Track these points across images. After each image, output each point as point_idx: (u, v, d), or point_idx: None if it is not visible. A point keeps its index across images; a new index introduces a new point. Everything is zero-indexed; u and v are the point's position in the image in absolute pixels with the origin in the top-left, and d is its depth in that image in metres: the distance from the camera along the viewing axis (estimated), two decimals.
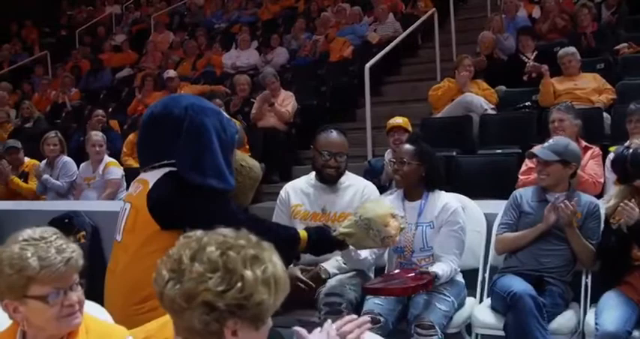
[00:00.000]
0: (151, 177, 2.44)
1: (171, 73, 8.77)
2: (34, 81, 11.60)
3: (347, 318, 1.70)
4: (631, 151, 2.72)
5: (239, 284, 1.36)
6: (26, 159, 6.66)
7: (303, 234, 2.73)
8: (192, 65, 9.99)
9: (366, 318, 1.72)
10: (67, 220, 5.10)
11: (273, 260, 1.43)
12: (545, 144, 3.41)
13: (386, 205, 3.01)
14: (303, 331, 1.64)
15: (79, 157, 6.59)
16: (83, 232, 5.05)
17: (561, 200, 3.17)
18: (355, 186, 3.58)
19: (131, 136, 6.92)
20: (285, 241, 2.64)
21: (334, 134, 3.54)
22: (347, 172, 3.66)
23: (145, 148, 2.59)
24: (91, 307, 2.31)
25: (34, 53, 12.97)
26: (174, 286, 1.38)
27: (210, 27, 11.68)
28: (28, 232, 1.81)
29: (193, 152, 2.39)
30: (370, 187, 3.62)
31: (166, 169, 2.42)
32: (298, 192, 3.63)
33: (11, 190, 6.35)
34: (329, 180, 3.53)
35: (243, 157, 2.85)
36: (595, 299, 3.20)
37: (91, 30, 13.48)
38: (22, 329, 1.86)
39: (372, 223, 2.88)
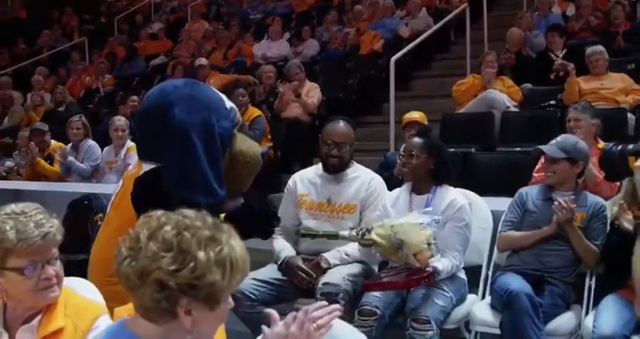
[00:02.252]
0: (146, 165, 2.42)
1: (203, 60, 8.84)
2: (70, 67, 11.80)
3: (317, 304, 1.70)
4: (619, 148, 2.65)
5: (191, 264, 1.37)
6: (52, 142, 6.80)
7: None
8: (223, 55, 10.05)
9: (337, 306, 1.71)
10: (86, 202, 5.21)
11: (231, 243, 1.43)
12: (553, 141, 3.36)
13: (424, 232, 2.97)
14: (273, 312, 1.65)
15: (107, 141, 6.69)
16: (100, 214, 5.13)
17: (560, 199, 3.11)
18: (362, 178, 3.58)
19: None
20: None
21: (340, 124, 3.55)
22: (355, 163, 3.67)
23: (138, 139, 2.59)
24: (79, 283, 2.37)
25: (73, 40, 13.20)
26: (130, 263, 1.40)
27: (246, 17, 11.73)
28: (11, 207, 1.85)
29: (179, 162, 2.31)
30: (377, 180, 3.61)
31: (153, 166, 2.37)
32: (305, 181, 3.64)
33: (37, 172, 6.49)
34: (332, 170, 3.54)
35: (242, 141, 2.79)
36: (599, 302, 3.13)
37: (129, 18, 13.66)
38: (3, 301, 1.92)
39: (404, 246, 2.93)
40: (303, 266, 3.42)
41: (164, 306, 1.38)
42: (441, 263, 3.14)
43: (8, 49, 13.50)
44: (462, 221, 3.28)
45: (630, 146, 2.69)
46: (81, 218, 5.06)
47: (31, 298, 1.86)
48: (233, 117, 2.47)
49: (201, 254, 1.38)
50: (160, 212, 1.48)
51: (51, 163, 6.57)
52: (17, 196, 5.48)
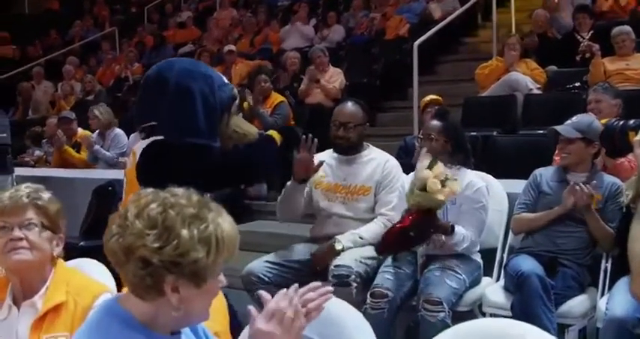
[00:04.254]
0: (138, 148, 2.50)
1: (231, 47, 8.96)
2: (100, 56, 11.95)
3: (312, 285, 1.70)
4: (621, 123, 2.60)
5: (175, 242, 1.38)
6: (79, 130, 6.90)
7: (274, 134, 2.77)
8: (250, 41, 10.08)
9: (329, 288, 1.70)
10: (110, 188, 5.27)
11: (217, 221, 1.44)
12: (569, 121, 3.30)
13: (423, 174, 3.03)
14: (266, 295, 1.66)
15: (134, 129, 6.76)
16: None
17: (581, 183, 3.07)
18: (377, 160, 3.58)
19: None
20: (270, 159, 2.76)
21: (348, 105, 3.55)
22: (370, 146, 3.67)
23: (137, 108, 2.68)
24: (87, 264, 2.44)
25: (104, 30, 13.35)
26: (118, 239, 1.43)
27: (274, 4, 11.73)
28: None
29: (175, 114, 2.46)
30: (392, 162, 3.61)
31: (151, 139, 2.47)
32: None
33: (64, 159, 6.60)
34: (340, 151, 3.54)
35: (238, 124, 2.78)
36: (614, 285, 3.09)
37: (159, 7, 13.76)
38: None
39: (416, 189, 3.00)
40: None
41: (148, 282, 1.40)
42: (458, 228, 3.19)
43: (41, 40, 13.71)
44: (479, 203, 3.28)
45: (632, 121, 2.64)
46: (105, 204, 5.13)
47: (1, 260, 1.96)
48: (230, 90, 2.62)
49: (184, 232, 1.39)
50: (149, 190, 1.51)
51: (78, 151, 6.67)
52: (45, 183, 5.57)
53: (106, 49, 12.11)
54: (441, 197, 2.99)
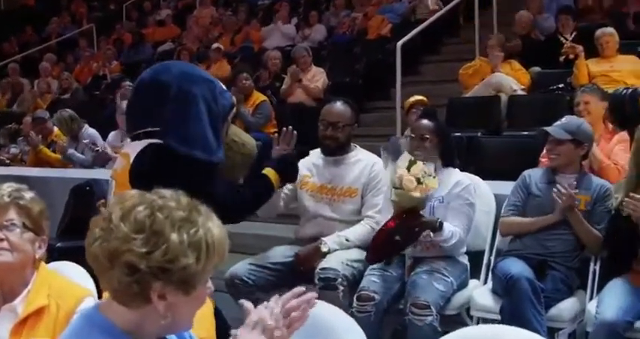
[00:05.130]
0: (132, 149, 2.36)
1: (218, 45, 8.95)
2: (78, 54, 11.78)
3: (295, 290, 1.60)
4: (629, 91, 2.54)
5: (163, 247, 1.30)
6: (55, 129, 6.77)
7: (270, 173, 2.71)
8: (230, 40, 9.99)
9: (313, 294, 1.62)
10: (87, 188, 5.18)
11: (207, 225, 1.36)
12: (558, 123, 3.27)
13: (398, 173, 3.00)
14: (248, 304, 1.58)
15: (112, 127, 6.66)
16: (103, 200, 5.10)
17: (560, 185, 3.05)
18: (364, 161, 3.52)
19: None
20: (266, 193, 2.73)
21: (337, 104, 3.49)
22: (357, 147, 3.61)
23: (131, 113, 2.53)
24: (68, 267, 2.35)
25: (82, 27, 13.16)
26: (101, 244, 1.35)
27: (254, 3, 11.65)
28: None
29: (179, 121, 2.31)
30: (379, 164, 3.54)
31: (147, 141, 2.34)
32: (308, 163, 3.58)
33: (40, 159, 6.48)
34: (328, 151, 3.48)
35: (236, 132, 2.76)
36: (604, 288, 3.06)
37: (138, 5, 13.60)
38: None
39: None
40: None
41: (135, 290, 1.32)
42: (446, 224, 3.14)
43: (16, 36, 13.50)
44: (466, 200, 3.24)
45: None
46: (83, 204, 5.03)
47: None
48: (230, 97, 2.50)
49: (174, 236, 1.31)
50: (134, 192, 1.43)
51: (54, 150, 6.55)
52: (20, 182, 5.45)
53: (84, 46, 11.96)
54: (416, 194, 2.96)
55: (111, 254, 1.32)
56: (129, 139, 2.51)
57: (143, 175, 2.28)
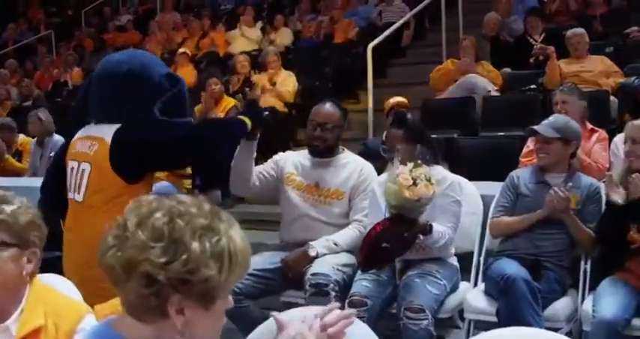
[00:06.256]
0: (107, 133, 2.49)
1: (184, 49, 8.94)
2: (37, 60, 11.51)
3: (332, 306, 1.50)
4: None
5: (184, 256, 1.21)
6: (21, 136, 6.57)
7: (245, 119, 2.89)
8: (195, 45, 9.85)
9: (353, 311, 1.56)
10: None
11: (230, 233, 1.27)
12: (545, 121, 3.27)
13: (392, 187, 2.91)
14: (282, 318, 1.50)
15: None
16: None
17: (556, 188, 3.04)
18: (353, 164, 3.47)
19: None
20: (238, 126, 2.88)
21: (326, 105, 3.45)
22: (346, 150, 3.56)
23: (110, 103, 2.59)
24: (57, 280, 2.22)
25: (40, 33, 12.88)
26: (116, 253, 1.25)
27: (217, 8, 11.54)
28: None
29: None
30: (368, 167, 3.51)
31: (117, 125, 2.49)
32: (296, 162, 3.53)
33: (6, 168, 6.27)
34: (316, 153, 3.43)
35: None
36: (595, 286, 3.05)
37: (97, 10, 13.36)
38: None
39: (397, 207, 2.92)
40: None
41: (153, 303, 1.22)
42: (435, 225, 3.07)
43: None
44: (452, 197, 3.19)
45: None
46: (54, 214, 4.86)
47: None
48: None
49: (195, 245, 1.22)
50: (151, 197, 1.33)
51: (19, 159, 6.36)
52: None
53: (43, 52, 11.70)
54: (406, 193, 2.85)
55: (127, 264, 1.23)
56: (90, 126, 2.63)
57: (125, 154, 2.46)
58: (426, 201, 2.91)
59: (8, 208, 1.74)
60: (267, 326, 1.76)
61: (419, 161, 2.94)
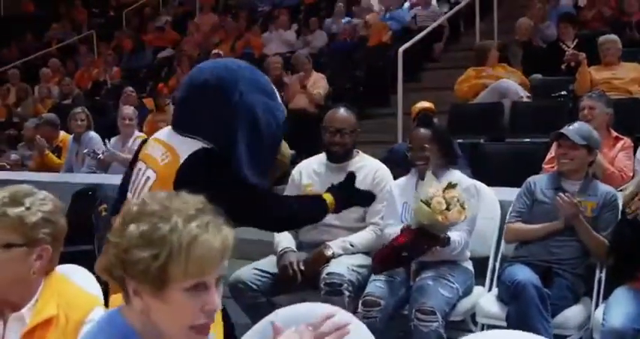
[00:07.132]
0: (180, 147, 2.13)
1: (218, 51, 8.88)
2: (78, 60, 11.78)
3: (328, 312, 1.54)
4: None
5: (123, 237, 1.29)
6: (61, 133, 6.76)
7: (328, 198, 2.46)
8: (231, 46, 9.99)
9: (347, 321, 1.57)
10: (90, 193, 5.16)
11: (186, 227, 1.28)
12: (570, 127, 3.26)
13: (424, 209, 2.90)
14: (279, 326, 1.55)
15: (112, 133, 6.63)
16: (105, 205, 5.08)
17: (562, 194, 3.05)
18: (368, 167, 3.50)
19: (150, 117, 6.96)
20: (318, 214, 2.50)
21: (341, 110, 3.49)
22: (360, 153, 3.60)
23: (187, 113, 2.23)
24: (75, 271, 2.30)
25: (82, 33, 13.17)
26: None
27: (254, 9, 11.67)
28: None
29: (247, 144, 2.13)
30: (383, 170, 3.54)
31: (200, 145, 2.11)
32: (310, 171, 3.57)
33: (45, 164, 6.47)
34: (335, 158, 3.47)
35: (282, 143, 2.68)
36: (609, 295, 3.04)
37: (137, 11, 13.62)
38: None
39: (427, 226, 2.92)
40: (293, 261, 3.32)
41: (125, 286, 1.32)
42: (452, 235, 3.09)
43: (17, 42, 13.49)
44: (468, 201, 3.19)
45: None
46: (85, 209, 5.01)
47: None
48: (283, 110, 2.29)
49: (132, 227, 1.27)
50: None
51: (59, 155, 6.54)
52: None
53: (84, 52, 11.97)
54: (439, 218, 2.86)
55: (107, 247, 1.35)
56: (168, 129, 2.27)
57: (192, 175, 2.07)
58: (456, 224, 2.95)
59: (14, 210, 1.75)
60: (262, 325, 1.81)
61: (451, 181, 2.94)
